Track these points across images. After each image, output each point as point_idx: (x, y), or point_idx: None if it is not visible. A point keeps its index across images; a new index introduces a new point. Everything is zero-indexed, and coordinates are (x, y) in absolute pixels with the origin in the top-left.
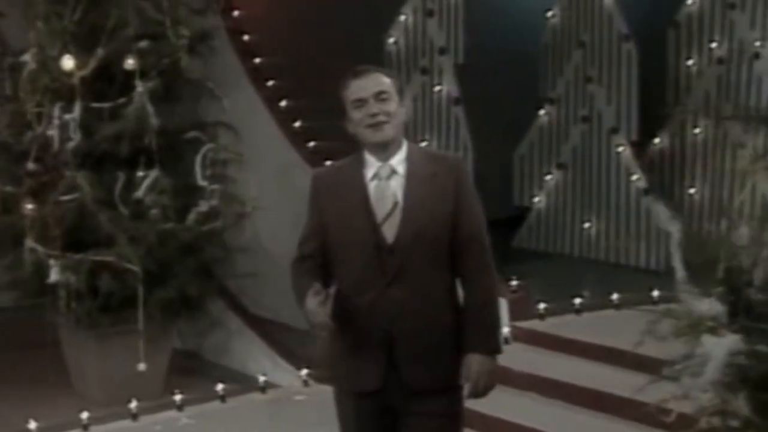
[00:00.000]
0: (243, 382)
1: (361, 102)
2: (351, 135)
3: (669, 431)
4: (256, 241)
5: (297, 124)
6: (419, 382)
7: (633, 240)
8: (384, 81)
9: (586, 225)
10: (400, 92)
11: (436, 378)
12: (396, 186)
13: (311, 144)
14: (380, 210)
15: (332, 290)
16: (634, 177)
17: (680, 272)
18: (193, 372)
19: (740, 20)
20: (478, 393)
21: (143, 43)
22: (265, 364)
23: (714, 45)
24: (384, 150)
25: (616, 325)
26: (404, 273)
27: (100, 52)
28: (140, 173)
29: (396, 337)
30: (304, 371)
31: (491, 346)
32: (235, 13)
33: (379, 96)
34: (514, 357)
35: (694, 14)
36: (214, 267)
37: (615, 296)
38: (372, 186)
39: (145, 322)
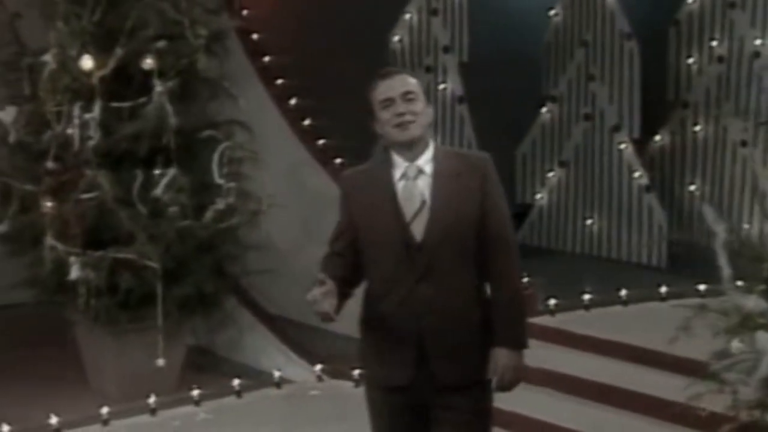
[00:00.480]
0: (256, 378)
1: (388, 102)
2: (378, 135)
3: (696, 428)
4: (266, 239)
5: (306, 122)
6: (448, 377)
7: (638, 239)
8: (410, 82)
9: (588, 222)
10: (426, 93)
11: (465, 372)
12: (423, 185)
13: (320, 142)
14: (408, 209)
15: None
16: (636, 174)
17: (726, 271)
18: (205, 368)
19: (740, 19)
20: (504, 387)
21: (161, 43)
22: (278, 359)
23: (714, 43)
24: (411, 150)
25: (625, 321)
26: (432, 270)
27: (119, 52)
28: (158, 172)
29: (425, 332)
30: (318, 367)
31: (518, 341)
32: (244, 12)
33: (406, 96)
34: (527, 353)
35: (694, 13)
36: (228, 264)
37: (623, 292)
38: (400, 186)
39: (162, 319)
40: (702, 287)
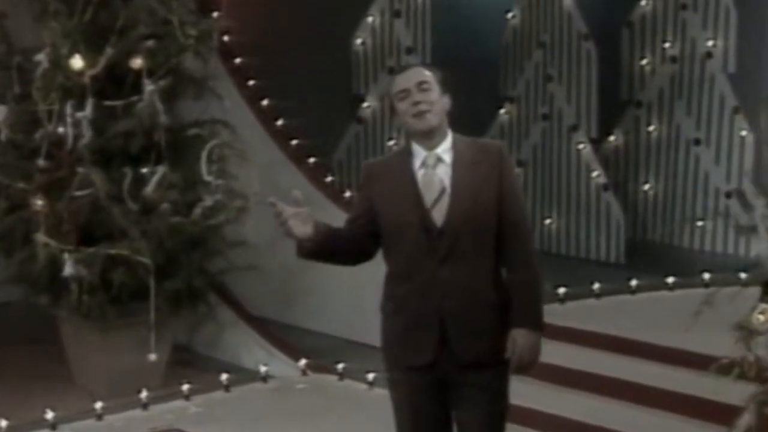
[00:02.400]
0: (238, 374)
1: (404, 93)
2: (399, 127)
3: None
4: (243, 237)
5: (279, 122)
6: (469, 354)
7: (596, 236)
8: (425, 73)
9: (547, 221)
10: (443, 84)
11: (485, 351)
12: (442, 173)
13: (294, 142)
14: (428, 196)
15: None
16: (594, 173)
17: (765, 243)
18: (186, 365)
19: (692, 20)
20: (523, 367)
21: (150, 43)
22: (259, 355)
23: (667, 44)
24: (429, 139)
25: (600, 313)
26: (453, 255)
27: (109, 51)
28: (146, 169)
29: (447, 314)
30: (303, 361)
31: (537, 322)
32: (215, 14)
33: (421, 86)
34: None
35: (647, 14)
36: (212, 260)
37: (596, 286)
38: (420, 174)
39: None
40: (670, 280)
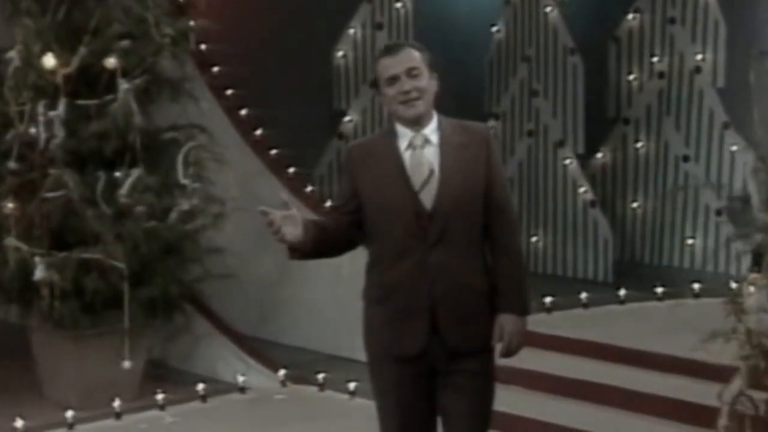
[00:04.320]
0: (215, 385)
1: (393, 79)
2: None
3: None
4: (219, 244)
5: (258, 132)
6: (458, 343)
7: (583, 254)
8: (415, 56)
9: (533, 239)
10: (431, 65)
11: (474, 337)
12: (430, 154)
13: (273, 151)
14: (417, 178)
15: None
16: (581, 189)
17: (755, 197)
18: (161, 379)
19: (680, 34)
20: (511, 351)
21: (125, 42)
22: (237, 367)
23: (655, 59)
24: (416, 123)
25: (590, 321)
26: (443, 239)
27: (82, 50)
28: (120, 173)
29: (437, 300)
30: (282, 372)
31: (523, 307)
32: (191, 23)
33: (411, 72)
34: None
35: (634, 29)
36: (188, 268)
37: (584, 295)
38: (407, 155)
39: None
40: (660, 290)
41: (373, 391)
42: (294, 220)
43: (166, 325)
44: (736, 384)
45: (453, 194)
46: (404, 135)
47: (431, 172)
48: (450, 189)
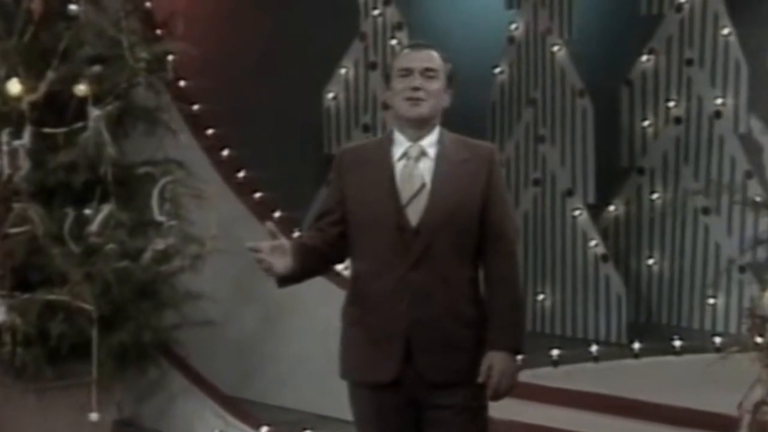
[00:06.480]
0: None
1: (406, 72)
2: (388, 105)
3: None
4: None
5: (241, 174)
6: (436, 374)
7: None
8: (436, 59)
9: (540, 297)
10: (450, 78)
11: (455, 370)
12: (424, 168)
13: (258, 195)
14: (406, 191)
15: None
16: (592, 243)
17: None
18: None
19: (699, 76)
20: (499, 394)
21: (97, 67)
22: (215, 424)
23: (671, 104)
24: (416, 128)
25: (598, 376)
26: (427, 258)
27: (50, 75)
28: (90, 208)
29: (414, 324)
30: (265, 429)
31: (516, 345)
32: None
33: (426, 72)
34: (494, 405)
35: (648, 71)
36: (164, 314)
37: (594, 348)
38: (399, 166)
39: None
40: (678, 343)
41: (353, 418)
42: (283, 249)
43: (139, 379)
44: (758, 392)
45: (443, 210)
46: (400, 143)
47: (422, 185)
48: (441, 205)
